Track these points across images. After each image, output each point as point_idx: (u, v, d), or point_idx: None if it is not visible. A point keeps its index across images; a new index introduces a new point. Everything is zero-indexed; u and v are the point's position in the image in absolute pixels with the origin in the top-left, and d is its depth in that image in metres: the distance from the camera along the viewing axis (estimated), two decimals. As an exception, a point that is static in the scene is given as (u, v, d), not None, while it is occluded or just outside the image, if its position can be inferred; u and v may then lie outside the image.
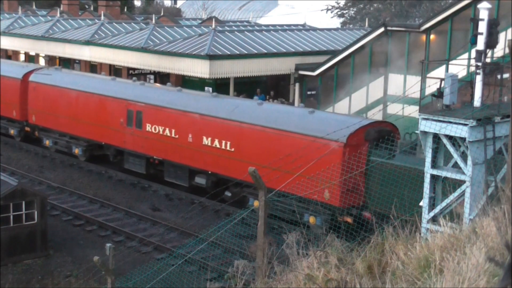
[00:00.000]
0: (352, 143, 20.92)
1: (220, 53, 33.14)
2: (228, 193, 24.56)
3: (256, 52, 34.61)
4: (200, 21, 53.24)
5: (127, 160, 30.09)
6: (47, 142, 34.87)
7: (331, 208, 21.32)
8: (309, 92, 34.46)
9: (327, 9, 59.80)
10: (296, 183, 18.18)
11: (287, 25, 44.90)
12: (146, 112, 28.68)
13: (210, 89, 33.44)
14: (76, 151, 32.81)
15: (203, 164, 26.24)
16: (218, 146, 25.54)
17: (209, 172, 25.98)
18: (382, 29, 31.57)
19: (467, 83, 13.34)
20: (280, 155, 21.17)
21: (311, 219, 22.01)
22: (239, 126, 24.84)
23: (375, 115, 27.36)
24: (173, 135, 27.40)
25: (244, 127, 24.71)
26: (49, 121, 34.15)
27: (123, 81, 33.05)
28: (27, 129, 36.34)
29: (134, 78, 34.16)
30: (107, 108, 30.81)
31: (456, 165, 12.73)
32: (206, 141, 25.96)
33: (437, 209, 12.55)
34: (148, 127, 28.47)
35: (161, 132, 27.87)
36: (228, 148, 25.23)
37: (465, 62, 26.36)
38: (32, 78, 35.28)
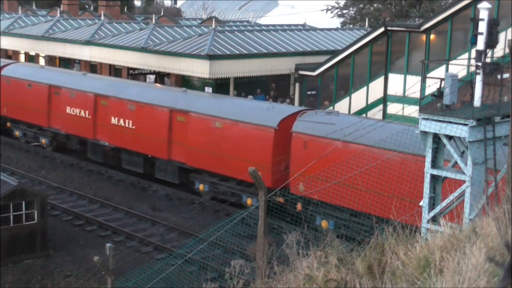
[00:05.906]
0: None
1: (220, 53, 33.15)
2: None
3: (256, 52, 34.62)
4: (200, 21, 53.28)
5: None
6: (323, 223, 22.60)
7: None
8: (309, 92, 34.47)
9: (327, 9, 59.77)
10: None
11: (287, 25, 44.95)
12: None
13: (211, 89, 33.43)
14: None
15: None
16: None
17: None
18: (382, 29, 31.59)
19: (467, 83, 13.33)
20: None
21: None
22: None
23: (375, 114, 27.36)
24: None
25: None
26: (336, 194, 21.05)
27: None
28: (280, 199, 22.68)
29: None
30: None
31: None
32: None
33: (437, 209, 12.55)
34: None
35: None
36: None
37: (465, 62, 26.38)
38: (298, 127, 23.16)
